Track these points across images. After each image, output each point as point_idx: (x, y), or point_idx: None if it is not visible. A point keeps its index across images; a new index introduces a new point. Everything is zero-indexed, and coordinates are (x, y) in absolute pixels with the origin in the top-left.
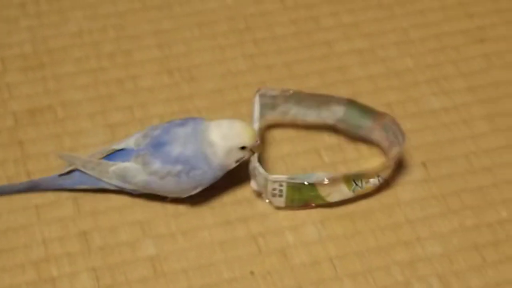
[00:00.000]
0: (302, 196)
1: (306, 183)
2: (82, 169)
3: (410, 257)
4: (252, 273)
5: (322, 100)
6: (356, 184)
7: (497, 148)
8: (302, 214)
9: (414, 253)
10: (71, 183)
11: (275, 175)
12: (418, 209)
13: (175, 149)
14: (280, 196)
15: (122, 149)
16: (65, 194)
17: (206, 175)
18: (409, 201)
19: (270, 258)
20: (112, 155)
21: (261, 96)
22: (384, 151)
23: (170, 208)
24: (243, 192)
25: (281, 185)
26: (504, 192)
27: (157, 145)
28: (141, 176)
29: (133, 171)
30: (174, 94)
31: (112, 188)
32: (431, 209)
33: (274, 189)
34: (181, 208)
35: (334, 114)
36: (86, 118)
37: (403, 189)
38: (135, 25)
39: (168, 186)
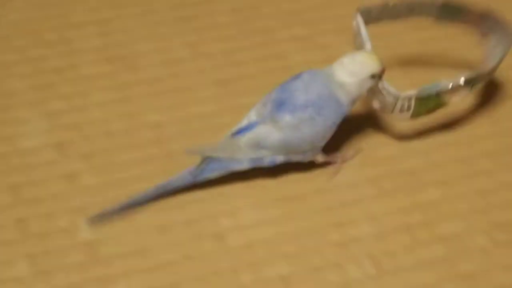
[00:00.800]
0: (427, 106)
1: (434, 92)
2: (214, 154)
3: (343, 238)
4: (188, 256)
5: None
6: (473, 86)
7: (430, 130)
8: (239, 198)
9: (347, 234)
10: (203, 175)
11: (406, 92)
12: (352, 192)
13: (299, 98)
14: (408, 110)
15: (246, 126)
16: (1, 182)
17: (338, 111)
18: (343, 184)
19: (206, 242)
20: (238, 134)
21: (362, 13)
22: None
23: (109, 193)
24: None
25: (410, 100)
26: (435, 174)
27: (280, 104)
28: (275, 135)
29: (265, 133)
30: (114, 82)
31: (245, 167)
32: (365, 191)
33: (402, 105)
34: (119, 193)
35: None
36: (25, 107)
37: (338, 173)
38: (77, 13)
39: (305, 134)
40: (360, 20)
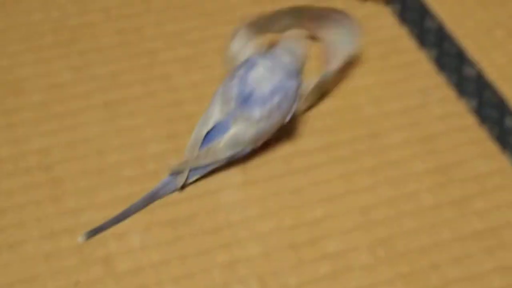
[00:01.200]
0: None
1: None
2: (196, 166)
3: (230, 259)
4: (77, 283)
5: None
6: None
7: (314, 150)
8: (126, 222)
9: (234, 254)
10: (188, 181)
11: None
12: (239, 211)
13: (264, 88)
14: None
15: (212, 128)
16: None
17: (296, 85)
18: (230, 203)
19: (94, 267)
20: (208, 138)
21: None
22: None
23: None
24: (68, 203)
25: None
26: (320, 192)
27: (246, 99)
28: (250, 130)
29: (240, 130)
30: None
31: (223, 163)
32: (251, 210)
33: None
34: (6, 220)
35: None
36: None
37: (224, 193)
38: None
39: (276, 119)
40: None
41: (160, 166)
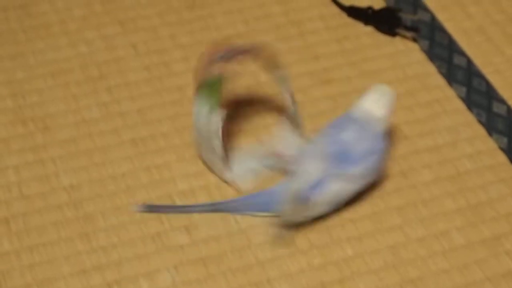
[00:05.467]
0: None
1: None
2: (291, 219)
3: None
4: None
5: None
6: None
7: None
8: (157, 260)
9: None
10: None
11: None
12: (268, 250)
13: (360, 148)
14: None
15: (313, 185)
16: None
17: (383, 144)
18: (259, 242)
19: None
20: (308, 194)
21: None
22: None
23: (26, 259)
24: (99, 240)
25: None
26: (349, 230)
27: (342, 159)
28: (349, 188)
29: (341, 190)
30: (28, 144)
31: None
32: (281, 249)
33: None
34: (36, 257)
35: None
36: None
37: (254, 232)
38: None
39: (372, 177)
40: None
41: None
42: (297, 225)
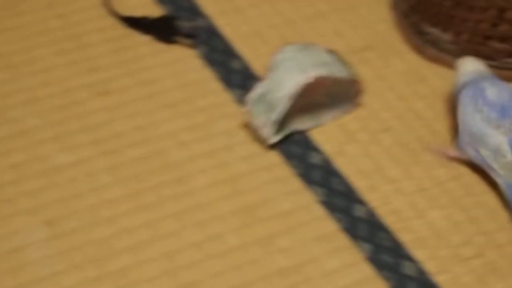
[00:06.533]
0: None
1: None
2: None
3: None
4: None
5: None
6: None
7: (118, 198)
8: None
9: None
10: None
11: None
12: (43, 267)
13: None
14: None
15: None
16: None
17: None
18: (35, 261)
19: None
20: None
21: None
22: None
23: None
24: None
25: None
26: (125, 241)
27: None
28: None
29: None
30: None
31: None
32: (58, 266)
33: None
34: None
35: None
36: None
37: (30, 249)
38: None
39: None
40: None
41: None
42: None
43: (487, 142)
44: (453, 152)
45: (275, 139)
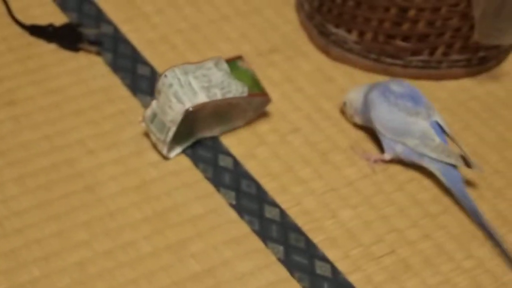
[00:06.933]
0: None
1: None
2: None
3: None
4: None
5: None
6: None
7: (27, 209)
8: None
9: None
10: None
11: None
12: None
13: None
14: None
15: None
16: None
17: None
18: None
19: None
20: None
21: None
22: None
23: None
24: None
25: None
26: (34, 252)
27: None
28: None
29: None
30: None
31: None
32: None
33: None
34: None
35: None
36: None
37: None
38: None
39: None
40: None
41: None
42: None
43: (411, 130)
44: (377, 156)
45: (173, 154)
